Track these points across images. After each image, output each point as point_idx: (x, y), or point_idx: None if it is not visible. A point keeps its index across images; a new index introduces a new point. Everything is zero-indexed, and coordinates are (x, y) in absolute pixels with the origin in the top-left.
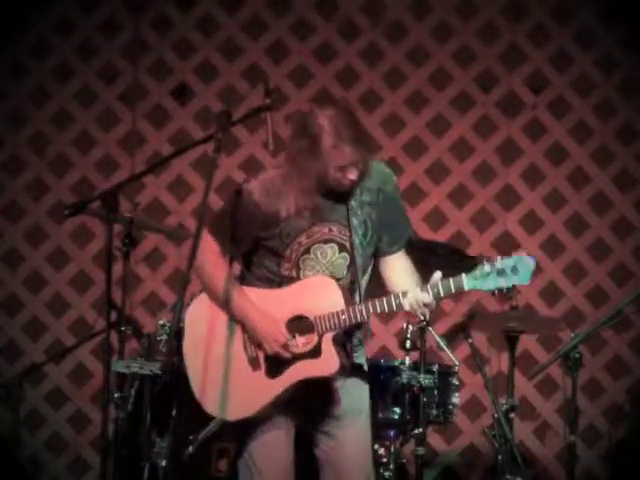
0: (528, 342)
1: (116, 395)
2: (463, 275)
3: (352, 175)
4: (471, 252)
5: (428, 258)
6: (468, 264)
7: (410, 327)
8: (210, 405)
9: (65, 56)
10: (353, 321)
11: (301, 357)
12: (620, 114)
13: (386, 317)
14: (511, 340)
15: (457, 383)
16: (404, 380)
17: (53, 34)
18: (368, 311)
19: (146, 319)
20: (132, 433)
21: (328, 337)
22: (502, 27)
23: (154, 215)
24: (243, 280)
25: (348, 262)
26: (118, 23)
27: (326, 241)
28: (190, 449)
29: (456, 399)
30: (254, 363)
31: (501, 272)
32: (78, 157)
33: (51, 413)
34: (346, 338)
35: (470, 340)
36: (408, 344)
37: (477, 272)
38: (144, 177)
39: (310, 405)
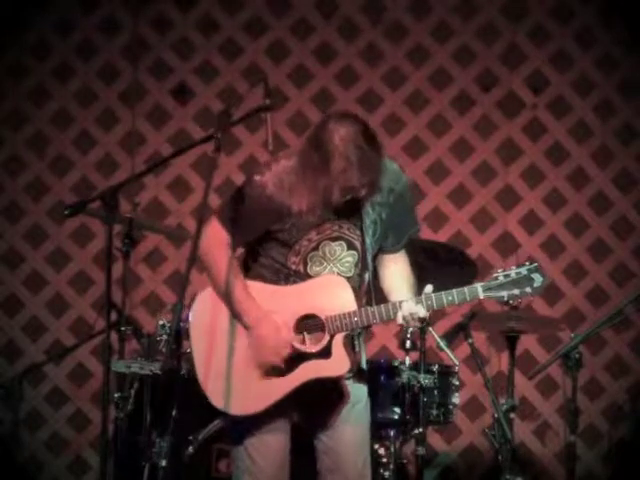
0: (528, 342)
1: (116, 395)
2: (478, 285)
3: (360, 194)
4: (471, 252)
5: (428, 260)
6: (467, 265)
7: (410, 327)
8: (218, 400)
9: (65, 56)
10: (365, 323)
11: (311, 356)
12: (620, 114)
13: None
14: (511, 340)
15: (457, 383)
16: (404, 380)
17: (53, 34)
18: (381, 316)
19: (146, 319)
20: (132, 433)
21: (339, 338)
22: (502, 27)
23: (154, 215)
24: (249, 269)
25: (356, 260)
26: (118, 23)
27: (335, 238)
28: (190, 449)
29: (456, 399)
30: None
31: (515, 282)
32: (78, 157)
33: (51, 413)
34: (353, 335)
35: (470, 340)
36: (408, 344)
37: (492, 282)
38: (144, 177)
39: (316, 403)
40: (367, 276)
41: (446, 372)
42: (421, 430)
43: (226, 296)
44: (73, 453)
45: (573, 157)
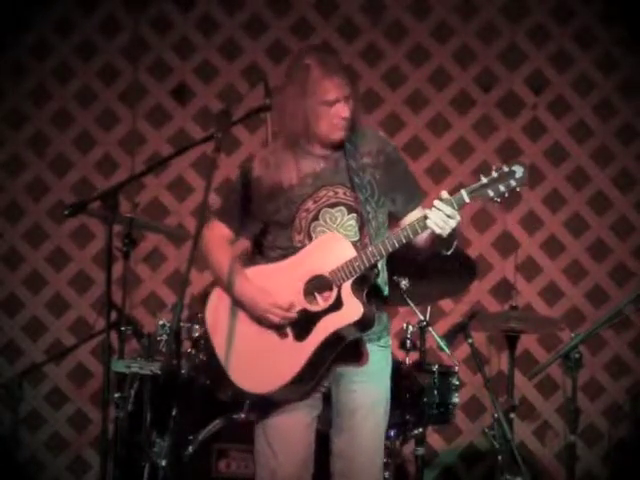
0: (528, 342)
1: (116, 395)
2: (462, 191)
3: (344, 112)
4: (471, 252)
5: (428, 259)
6: (468, 265)
7: (410, 327)
8: (247, 383)
9: (65, 56)
10: (367, 264)
11: (325, 313)
12: (620, 114)
13: None
14: (511, 340)
15: (457, 383)
16: (404, 380)
17: (53, 34)
18: (380, 251)
19: (146, 319)
20: (132, 433)
21: (347, 287)
22: (502, 27)
23: (154, 215)
24: (255, 263)
25: (360, 223)
26: (118, 23)
27: (333, 205)
28: (190, 449)
29: (456, 399)
30: (281, 332)
31: (498, 179)
32: (78, 157)
33: (51, 413)
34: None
35: (470, 340)
36: (408, 344)
37: (475, 185)
38: (144, 177)
39: (340, 368)
40: (372, 237)
41: (446, 372)
42: (421, 430)
43: (227, 289)
44: (73, 453)
45: (573, 157)
